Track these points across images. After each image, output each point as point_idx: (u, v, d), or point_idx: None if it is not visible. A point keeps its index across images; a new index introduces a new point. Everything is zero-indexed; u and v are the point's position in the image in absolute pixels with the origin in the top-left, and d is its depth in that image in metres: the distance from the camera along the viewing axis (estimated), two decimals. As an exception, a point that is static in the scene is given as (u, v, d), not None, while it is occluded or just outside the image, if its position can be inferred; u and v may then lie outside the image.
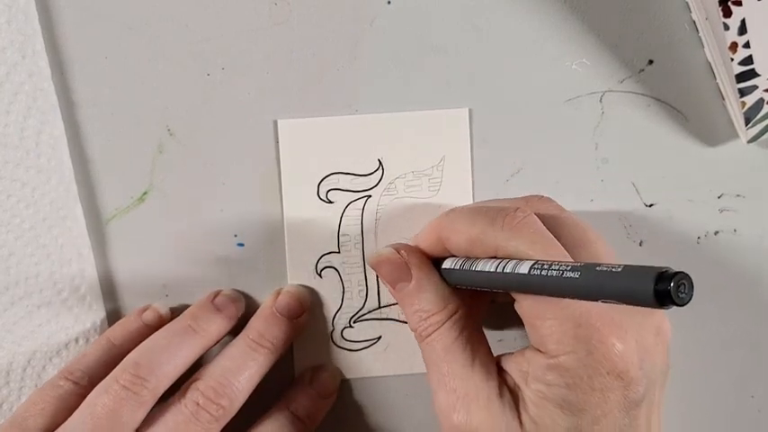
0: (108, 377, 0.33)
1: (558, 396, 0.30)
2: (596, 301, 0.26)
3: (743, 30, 0.34)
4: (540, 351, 0.30)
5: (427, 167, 0.37)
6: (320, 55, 0.37)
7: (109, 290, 0.37)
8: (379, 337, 0.38)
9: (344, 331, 0.38)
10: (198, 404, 0.33)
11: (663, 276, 0.23)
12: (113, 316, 0.37)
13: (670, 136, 0.38)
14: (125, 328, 0.36)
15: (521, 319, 0.31)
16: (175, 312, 0.37)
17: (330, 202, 0.37)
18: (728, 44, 0.34)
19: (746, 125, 0.37)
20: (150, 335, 0.35)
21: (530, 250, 0.30)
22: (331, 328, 0.38)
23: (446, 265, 0.34)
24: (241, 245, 0.37)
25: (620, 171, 0.38)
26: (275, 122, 0.37)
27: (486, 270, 0.31)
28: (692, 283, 0.23)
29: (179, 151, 0.37)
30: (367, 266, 0.38)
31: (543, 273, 0.28)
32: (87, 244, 0.36)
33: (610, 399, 0.30)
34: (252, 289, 0.38)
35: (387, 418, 0.39)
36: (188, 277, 0.37)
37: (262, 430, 0.35)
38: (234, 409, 0.34)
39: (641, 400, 0.30)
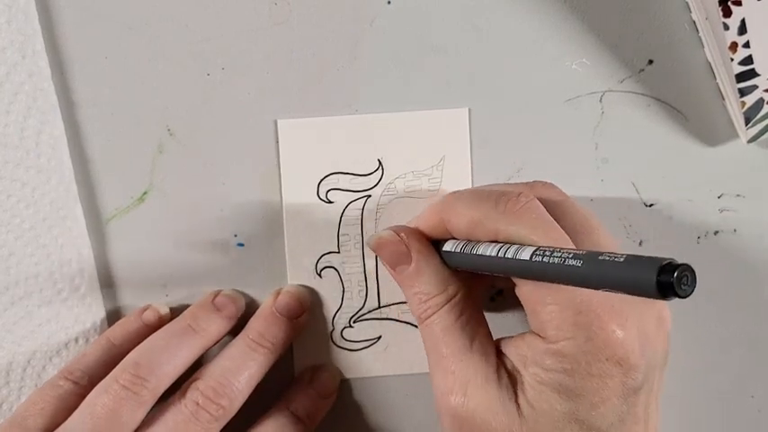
0: (108, 377, 0.33)
1: (555, 381, 0.30)
2: (598, 289, 0.26)
3: (743, 30, 0.34)
4: (540, 336, 0.30)
5: (427, 167, 0.37)
6: (320, 55, 0.37)
7: (109, 290, 0.37)
8: (379, 337, 0.38)
9: (344, 331, 0.38)
10: (198, 404, 0.33)
11: (666, 268, 0.23)
12: (113, 316, 0.37)
13: (670, 136, 0.38)
14: (125, 327, 0.36)
15: (521, 304, 0.31)
16: (175, 312, 0.37)
17: (330, 201, 0.37)
18: (728, 44, 0.34)
19: (746, 125, 0.37)
20: (150, 335, 0.35)
21: (531, 235, 0.30)
22: (331, 328, 0.38)
23: (446, 247, 0.34)
24: (241, 245, 0.37)
25: (620, 171, 0.38)
26: (275, 122, 0.37)
27: (487, 254, 0.31)
28: (694, 275, 0.23)
29: (179, 151, 0.37)
30: (367, 266, 0.38)
31: (545, 260, 0.28)
32: (87, 244, 0.36)
33: (608, 385, 0.30)
34: (252, 289, 0.38)
35: (387, 418, 0.39)
36: (188, 277, 0.37)
37: (261, 430, 0.35)
38: (234, 409, 0.34)
39: (640, 387, 0.30)
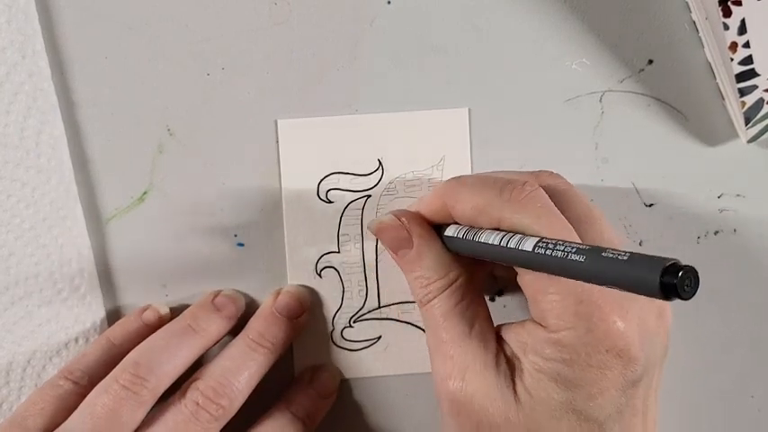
0: (108, 377, 0.33)
1: (553, 370, 0.30)
2: (600, 285, 0.26)
3: (743, 30, 0.34)
4: (541, 325, 0.30)
5: (427, 167, 0.37)
6: (320, 55, 0.37)
7: (109, 289, 0.37)
8: (379, 337, 0.38)
9: (344, 331, 0.38)
10: (198, 404, 0.33)
11: (670, 269, 0.23)
12: (113, 316, 0.37)
13: (670, 136, 0.38)
14: (125, 327, 0.36)
15: (520, 305, 0.31)
16: (175, 312, 0.37)
17: (330, 201, 0.37)
18: (728, 44, 0.34)
19: (746, 125, 0.37)
20: (150, 335, 0.35)
21: (535, 225, 0.30)
22: (331, 328, 0.38)
23: (449, 232, 0.34)
24: (241, 245, 0.37)
25: (620, 171, 0.38)
26: (275, 122, 0.37)
27: (490, 242, 0.31)
28: (698, 278, 0.23)
29: (179, 151, 0.37)
30: (367, 266, 0.38)
31: (547, 252, 0.28)
32: (87, 244, 0.36)
33: (607, 376, 0.30)
34: (252, 289, 0.38)
35: (387, 418, 0.39)
36: (188, 277, 0.37)
37: (261, 430, 0.35)
38: (233, 409, 0.34)
39: (639, 379, 0.30)
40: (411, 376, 0.39)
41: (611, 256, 0.25)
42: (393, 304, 0.38)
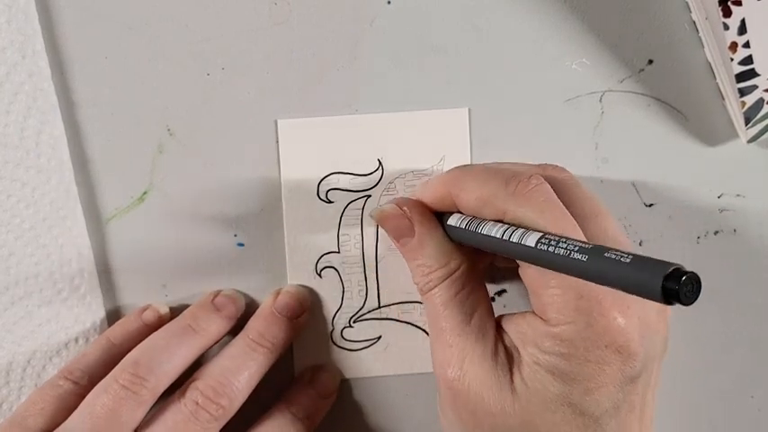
0: (107, 377, 0.33)
1: (550, 363, 0.30)
2: (601, 285, 0.26)
3: (743, 30, 0.34)
4: (541, 318, 0.31)
5: (427, 167, 0.37)
6: (320, 55, 0.37)
7: (109, 289, 0.37)
8: (379, 337, 0.38)
9: (344, 331, 0.38)
10: (197, 403, 0.33)
11: (672, 274, 0.23)
12: (113, 316, 0.37)
13: (670, 136, 0.38)
14: (125, 327, 0.36)
15: (520, 305, 0.31)
16: (175, 312, 0.37)
17: (330, 201, 0.37)
18: (728, 44, 0.34)
19: (746, 125, 0.37)
20: (150, 334, 0.35)
21: (539, 219, 0.30)
22: (331, 328, 0.38)
23: (451, 221, 0.33)
24: (241, 245, 0.37)
25: (620, 171, 0.38)
26: (275, 122, 0.37)
27: (492, 235, 0.31)
28: (700, 284, 0.23)
29: (179, 151, 0.37)
30: (367, 266, 0.38)
31: (550, 249, 0.28)
32: (87, 244, 0.36)
33: (605, 372, 0.30)
34: (252, 289, 0.38)
35: (387, 418, 0.39)
36: (188, 277, 0.37)
37: (261, 430, 0.35)
38: (233, 409, 0.34)
39: (638, 375, 0.30)
40: (411, 376, 0.39)
41: (613, 257, 0.25)
42: (393, 304, 0.38)
